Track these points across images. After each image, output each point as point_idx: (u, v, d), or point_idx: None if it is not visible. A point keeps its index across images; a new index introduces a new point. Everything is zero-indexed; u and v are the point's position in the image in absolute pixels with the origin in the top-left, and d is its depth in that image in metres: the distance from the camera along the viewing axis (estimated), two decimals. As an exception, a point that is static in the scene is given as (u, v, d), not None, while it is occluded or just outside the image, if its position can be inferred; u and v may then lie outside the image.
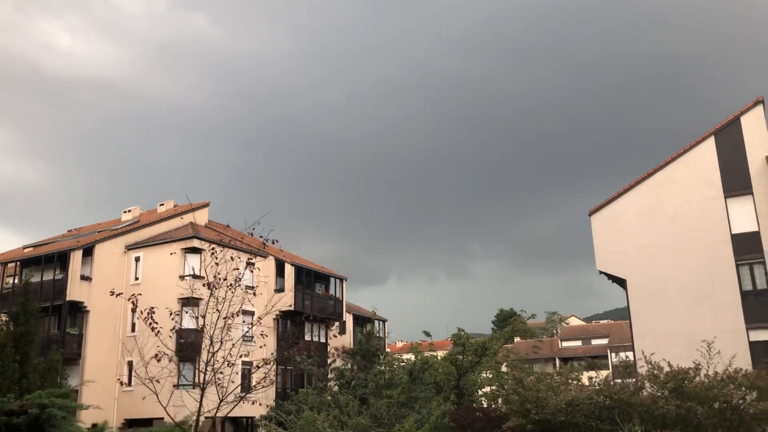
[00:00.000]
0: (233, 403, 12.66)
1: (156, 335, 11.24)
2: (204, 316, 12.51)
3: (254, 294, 20.79)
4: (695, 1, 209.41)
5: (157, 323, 11.49)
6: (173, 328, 12.83)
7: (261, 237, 12.16)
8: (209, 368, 12.04)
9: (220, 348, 12.09)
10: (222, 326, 12.31)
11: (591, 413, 16.78)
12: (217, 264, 13.09)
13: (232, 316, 12.66)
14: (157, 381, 11.66)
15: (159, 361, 11.63)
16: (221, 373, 12.29)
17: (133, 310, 12.29)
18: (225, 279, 12.29)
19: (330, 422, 17.43)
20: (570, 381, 18.50)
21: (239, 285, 12.50)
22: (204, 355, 12.25)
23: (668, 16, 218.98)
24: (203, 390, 11.75)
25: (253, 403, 26.00)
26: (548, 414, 16.84)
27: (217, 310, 12.38)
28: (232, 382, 12.86)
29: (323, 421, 17.18)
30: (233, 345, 12.24)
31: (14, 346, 17.54)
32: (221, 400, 12.49)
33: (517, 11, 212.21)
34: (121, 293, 12.81)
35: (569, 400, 16.62)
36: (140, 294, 13.24)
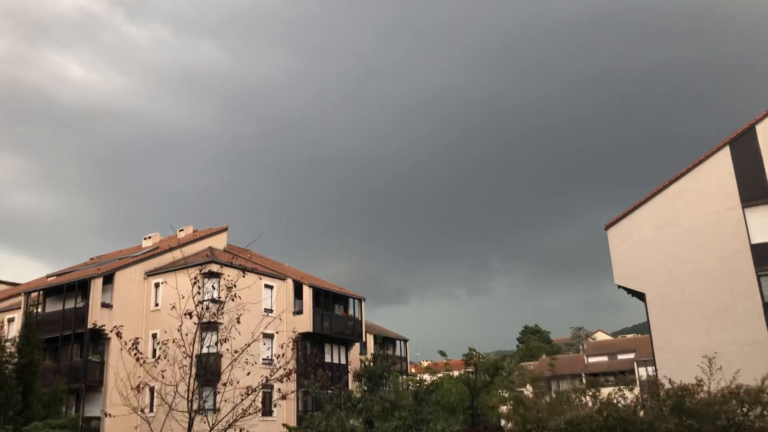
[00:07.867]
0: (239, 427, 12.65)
1: (141, 366, 11.32)
2: (225, 341, 12.51)
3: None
4: (703, 5, 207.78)
5: (141, 353, 11.58)
6: (191, 354, 12.77)
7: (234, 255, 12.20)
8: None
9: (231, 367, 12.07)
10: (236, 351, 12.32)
11: None
12: (229, 288, 13.19)
13: (246, 345, 12.69)
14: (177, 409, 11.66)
15: (140, 391, 11.72)
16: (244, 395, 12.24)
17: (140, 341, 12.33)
18: (217, 303, 12.32)
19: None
20: (573, 399, 18.20)
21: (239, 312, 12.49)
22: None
23: (678, 24, 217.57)
24: (192, 417, 11.73)
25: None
26: None
27: (238, 331, 12.42)
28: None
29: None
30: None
31: (18, 377, 17.83)
32: (229, 426, 12.54)
33: (524, 27, 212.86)
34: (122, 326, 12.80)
35: (569, 420, 16.36)
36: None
